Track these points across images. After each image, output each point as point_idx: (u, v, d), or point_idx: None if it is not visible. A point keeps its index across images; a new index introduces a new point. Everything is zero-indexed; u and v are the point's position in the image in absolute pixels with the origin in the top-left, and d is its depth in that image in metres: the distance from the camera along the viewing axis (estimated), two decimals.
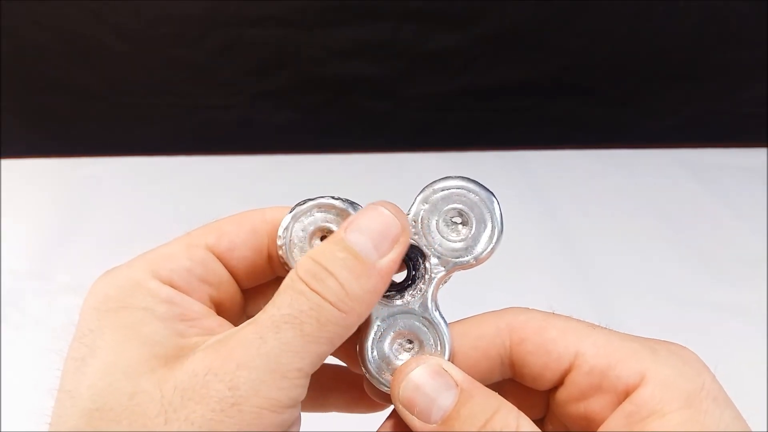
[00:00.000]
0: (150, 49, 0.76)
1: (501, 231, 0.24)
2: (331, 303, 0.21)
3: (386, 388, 0.24)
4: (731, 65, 0.78)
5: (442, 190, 0.24)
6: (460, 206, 0.24)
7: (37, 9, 0.72)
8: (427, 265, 0.24)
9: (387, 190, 0.72)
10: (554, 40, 0.77)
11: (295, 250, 0.24)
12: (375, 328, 0.24)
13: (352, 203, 0.24)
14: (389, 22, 0.74)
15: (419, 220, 0.24)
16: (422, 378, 0.22)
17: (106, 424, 0.19)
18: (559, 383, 0.23)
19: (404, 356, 0.24)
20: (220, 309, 0.25)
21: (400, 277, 0.25)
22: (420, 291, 0.24)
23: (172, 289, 0.23)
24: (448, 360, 0.24)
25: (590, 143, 0.81)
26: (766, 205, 0.70)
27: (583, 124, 0.83)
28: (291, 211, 0.24)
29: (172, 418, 0.19)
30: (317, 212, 0.24)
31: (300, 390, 0.20)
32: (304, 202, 0.24)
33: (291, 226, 0.24)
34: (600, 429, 0.22)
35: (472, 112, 0.82)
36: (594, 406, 0.22)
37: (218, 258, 0.24)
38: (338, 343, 0.21)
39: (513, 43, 0.76)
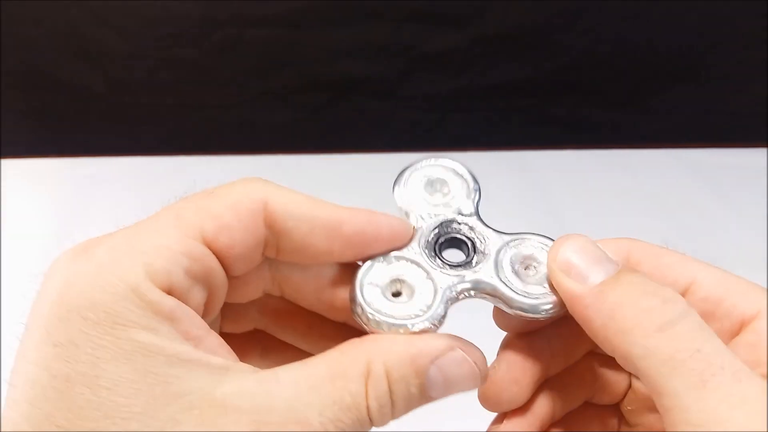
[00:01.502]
0: (151, 49, 0.75)
1: (456, 162, 0.27)
2: (373, 426, 0.20)
3: (545, 308, 0.23)
4: (731, 65, 0.78)
5: (413, 171, 0.27)
6: (425, 181, 0.26)
7: (37, 9, 0.72)
8: (463, 223, 0.25)
9: (387, 190, 0.72)
10: (554, 40, 0.76)
11: (377, 309, 0.22)
12: (497, 282, 0.23)
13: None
14: (389, 22, 0.74)
15: (415, 212, 0.25)
16: (586, 244, 0.22)
17: None
18: None
19: (531, 279, 0.24)
20: (207, 306, 0.22)
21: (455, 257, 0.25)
22: (485, 240, 0.25)
23: (173, 299, 0.19)
24: None
25: (590, 143, 0.81)
26: (766, 205, 0.70)
27: (583, 124, 0.83)
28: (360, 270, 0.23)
29: None
30: (382, 263, 0.24)
31: None
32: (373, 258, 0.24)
33: (361, 285, 0.23)
34: None
35: (472, 112, 0.82)
36: None
37: (217, 254, 0.21)
38: None
39: (513, 43, 0.76)
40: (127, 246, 0.20)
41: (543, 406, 0.25)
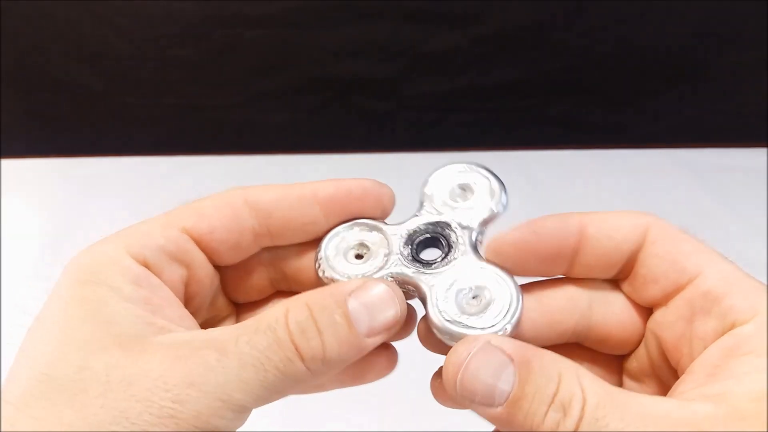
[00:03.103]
0: (150, 49, 0.76)
1: (501, 182, 0.26)
2: (303, 362, 0.21)
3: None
4: (731, 65, 0.78)
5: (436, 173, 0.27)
6: (460, 181, 0.26)
7: (38, 9, 0.72)
8: (456, 230, 0.25)
9: None
10: (554, 40, 0.76)
11: (331, 264, 0.25)
12: (432, 294, 0.24)
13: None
14: (389, 22, 0.74)
15: (432, 200, 0.26)
16: (474, 364, 0.21)
17: (51, 390, 0.20)
18: (664, 300, 0.23)
19: (472, 310, 0.23)
20: (189, 288, 0.25)
21: (429, 255, 0.26)
22: (460, 253, 0.25)
23: (144, 269, 0.23)
24: (520, 304, 0.23)
25: (590, 143, 0.81)
26: (767, 206, 0.70)
27: (583, 124, 0.83)
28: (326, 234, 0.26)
29: (110, 406, 0.19)
30: (352, 228, 0.26)
31: (239, 423, 0.21)
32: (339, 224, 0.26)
33: (326, 245, 0.26)
34: (694, 362, 0.22)
35: (472, 112, 0.82)
36: (698, 329, 0.22)
37: (197, 240, 0.25)
38: (289, 393, 0.22)
39: (513, 43, 0.76)
40: (120, 232, 0.24)
41: None
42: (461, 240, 0.25)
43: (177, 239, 0.24)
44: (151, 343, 0.21)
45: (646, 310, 0.25)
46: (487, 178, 0.26)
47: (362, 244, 0.26)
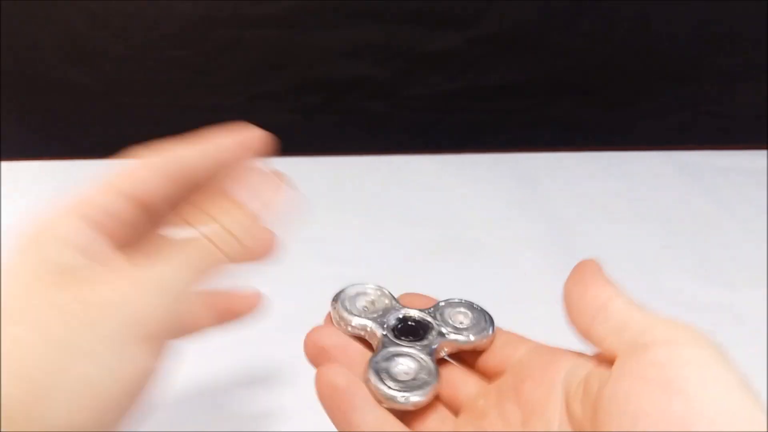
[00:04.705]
0: (150, 50, 0.76)
1: (492, 324, 0.32)
2: (225, 255, 0.28)
3: (383, 393, 0.28)
4: (731, 66, 0.78)
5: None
6: (464, 311, 0.33)
7: (37, 9, 0.72)
8: (432, 333, 0.31)
9: (386, 192, 0.72)
10: (554, 40, 0.77)
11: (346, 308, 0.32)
12: (382, 351, 0.30)
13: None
14: (389, 22, 0.74)
15: (437, 308, 0.33)
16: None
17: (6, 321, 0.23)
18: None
19: (402, 371, 0.29)
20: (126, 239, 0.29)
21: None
22: (422, 348, 0.30)
23: (86, 225, 0.27)
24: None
25: (590, 145, 0.81)
26: (766, 208, 0.70)
27: (583, 126, 0.83)
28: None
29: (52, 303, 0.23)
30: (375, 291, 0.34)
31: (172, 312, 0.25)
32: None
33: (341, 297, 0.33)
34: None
35: (472, 113, 0.82)
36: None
37: (129, 195, 0.30)
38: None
39: (513, 43, 0.76)
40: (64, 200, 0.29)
41: None
42: (428, 342, 0.31)
43: (113, 198, 0.29)
44: (86, 274, 0.25)
45: None
46: (486, 320, 0.32)
47: (372, 303, 0.33)
